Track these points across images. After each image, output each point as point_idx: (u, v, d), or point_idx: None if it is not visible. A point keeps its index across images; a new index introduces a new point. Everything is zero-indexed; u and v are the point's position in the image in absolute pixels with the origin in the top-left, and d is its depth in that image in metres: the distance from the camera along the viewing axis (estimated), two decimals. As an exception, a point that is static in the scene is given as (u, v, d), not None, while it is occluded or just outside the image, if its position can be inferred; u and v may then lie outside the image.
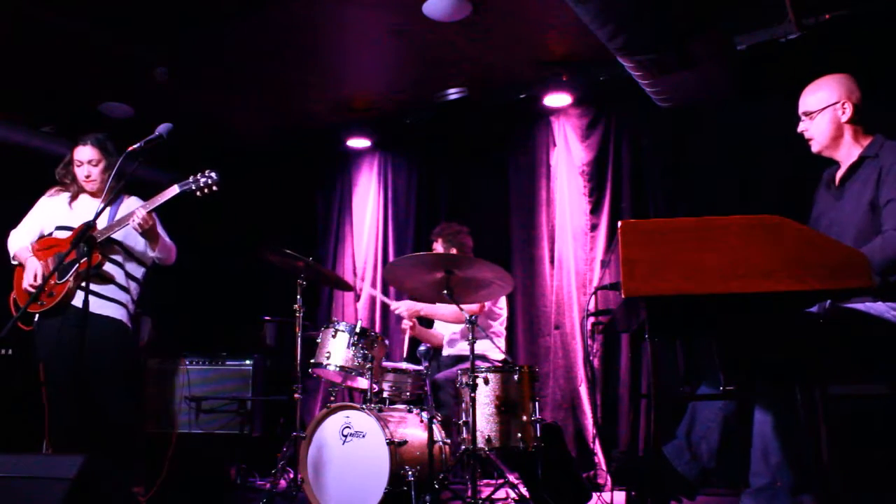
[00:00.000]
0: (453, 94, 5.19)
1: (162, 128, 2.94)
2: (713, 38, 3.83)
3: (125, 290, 3.51)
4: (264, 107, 5.45)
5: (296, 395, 3.62)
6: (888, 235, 2.31)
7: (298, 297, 3.74)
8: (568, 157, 5.04)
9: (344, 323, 3.70)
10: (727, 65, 4.08)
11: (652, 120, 4.70)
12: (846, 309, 2.36)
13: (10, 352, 4.44)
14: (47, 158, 5.40)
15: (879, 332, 2.30)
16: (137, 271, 3.60)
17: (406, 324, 4.21)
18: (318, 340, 3.73)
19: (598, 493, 3.65)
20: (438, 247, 4.20)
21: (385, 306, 5.46)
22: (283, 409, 4.67)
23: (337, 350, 3.63)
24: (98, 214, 2.95)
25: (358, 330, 3.63)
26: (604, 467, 4.39)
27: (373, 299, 5.61)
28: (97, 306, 3.37)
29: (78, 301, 3.34)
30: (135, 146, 3.00)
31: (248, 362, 4.64)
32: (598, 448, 4.49)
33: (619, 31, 3.60)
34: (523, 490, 3.39)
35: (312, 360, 3.69)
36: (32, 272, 3.37)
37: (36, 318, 3.39)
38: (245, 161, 6.00)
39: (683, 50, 3.82)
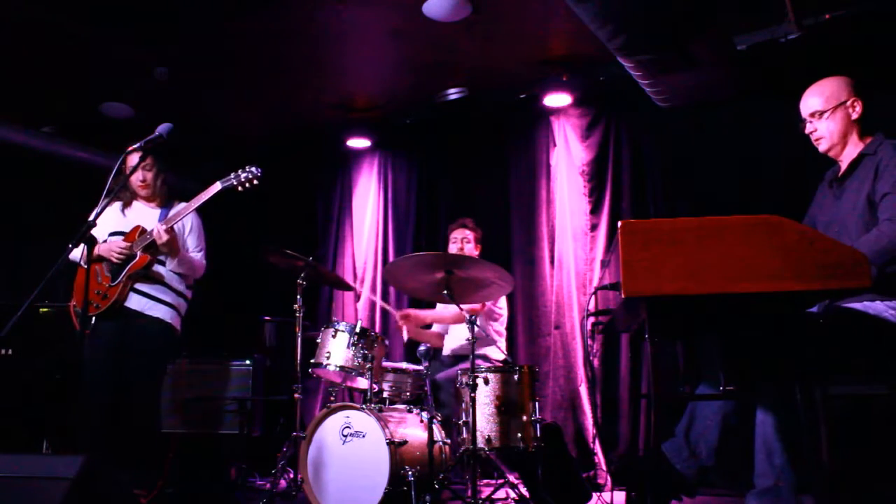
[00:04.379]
0: (453, 94, 5.19)
1: (162, 128, 2.94)
2: (713, 38, 3.83)
3: (174, 290, 3.55)
4: (264, 107, 5.45)
5: (296, 395, 3.62)
6: (883, 227, 2.34)
7: (298, 297, 3.74)
8: (568, 157, 5.04)
9: (344, 323, 3.70)
10: (727, 65, 4.08)
11: (652, 120, 4.70)
12: (846, 309, 2.36)
13: (9, 352, 4.44)
14: (48, 159, 5.43)
15: (879, 332, 2.30)
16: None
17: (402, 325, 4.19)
18: (318, 340, 3.73)
19: (598, 493, 3.65)
20: (468, 232, 4.28)
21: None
22: (283, 409, 4.67)
23: (337, 350, 3.63)
24: (98, 214, 2.93)
25: (358, 330, 3.63)
26: (604, 467, 4.39)
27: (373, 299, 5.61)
28: (146, 307, 3.45)
29: (131, 303, 3.45)
30: (134, 146, 3.00)
31: (248, 362, 4.64)
32: (598, 448, 4.48)
33: (619, 31, 3.60)
34: (523, 490, 3.39)
35: (312, 360, 3.69)
36: (116, 245, 3.43)
37: (93, 321, 3.43)
38: (245, 161, 5.95)
39: (683, 50, 3.81)
